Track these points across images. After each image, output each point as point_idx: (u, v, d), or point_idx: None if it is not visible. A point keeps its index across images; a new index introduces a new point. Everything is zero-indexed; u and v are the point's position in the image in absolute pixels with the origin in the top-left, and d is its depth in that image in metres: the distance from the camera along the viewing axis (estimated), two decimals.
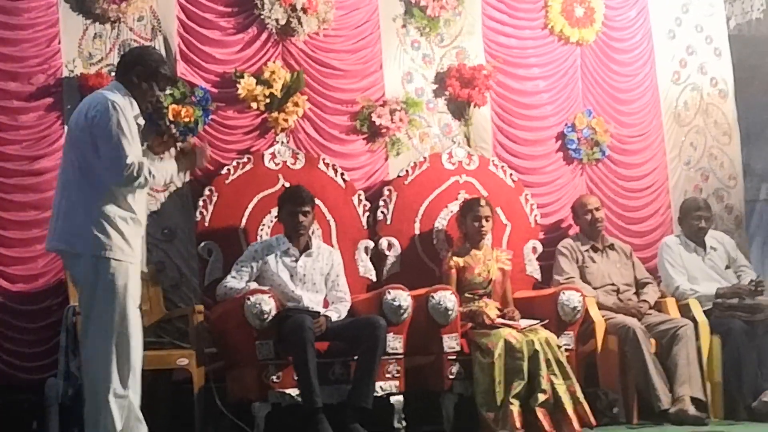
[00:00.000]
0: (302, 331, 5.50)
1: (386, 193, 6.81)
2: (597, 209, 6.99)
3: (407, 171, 6.90)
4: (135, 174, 4.60)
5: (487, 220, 6.47)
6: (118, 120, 4.62)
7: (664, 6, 8.00)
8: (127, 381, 4.63)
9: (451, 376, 6.01)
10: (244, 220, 6.42)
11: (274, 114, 6.65)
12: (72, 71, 6.28)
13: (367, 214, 6.73)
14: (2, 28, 6.19)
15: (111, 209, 4.66)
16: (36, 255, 6.10)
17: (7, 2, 6.20)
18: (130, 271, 4.68)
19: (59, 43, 6.28)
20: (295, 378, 5.57)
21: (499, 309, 6.34)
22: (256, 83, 6.60)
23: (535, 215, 7.13)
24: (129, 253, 4.68)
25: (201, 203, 6.33)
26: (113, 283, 4.63)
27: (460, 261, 6.41)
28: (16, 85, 6.19)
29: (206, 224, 6.32)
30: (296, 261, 6.00)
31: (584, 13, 7.61)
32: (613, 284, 6.82)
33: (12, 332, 6.01)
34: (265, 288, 5.76)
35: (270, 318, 5.58)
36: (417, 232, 6.82)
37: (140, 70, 4.83)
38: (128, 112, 4.68)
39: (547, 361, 5.96)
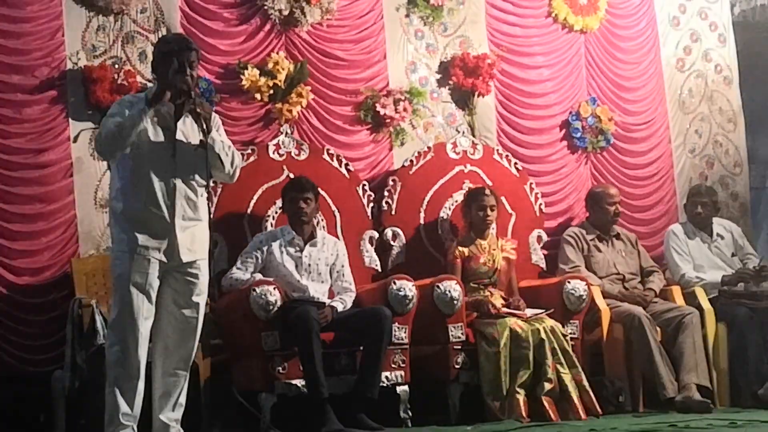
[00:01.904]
0: (307, 321, 5.51)
1: (391, 183, 6.81)
2: (619, 202, 6.99)
3: (411, 161, 6.90)
4: (100, 139, 4.65)
5: (492, 210, 6.46)
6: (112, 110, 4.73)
7: None
8: (125, 375, 4.59)
9: (456, 366, 6.02)
10: (248, 211, 6.43)
11: (278, 105, 6.66)
12: (75, 64, 6.28)
13: (372, 204, 6.73)
14: (6, 20, 6.19)
15: (116, 204, 4.70)
16: (41, 248, 6.12)
17: None
18: (137, 262, 4.60)
19: (63, 35, 6.29)
20: (301, 369, 5.57)
21: (504, 298, 6.35)
22: (260, 74, 6.60)
23: (540, 204, 7.12)
24: (128, 243, 4.62)
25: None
26: (113, 273, 4.71)
27: (465, 251, 6.41)
28: (19, 77, 6.19)
29: (211, 216, 6.29)
30: (301, 251, 6.00)
31: (588, 0, 7.60)
32: (618, 273, 6.81)
33: (18, 325, 6.02)
34: (271, 279, 5.76)
35: (276, 309, 5.59)
36: (422, 221, 6.82)
37: (154, 64, 4.87)
38: (133, 104, 4.68)
39: (553, 349, 5.97)
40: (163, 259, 4.65)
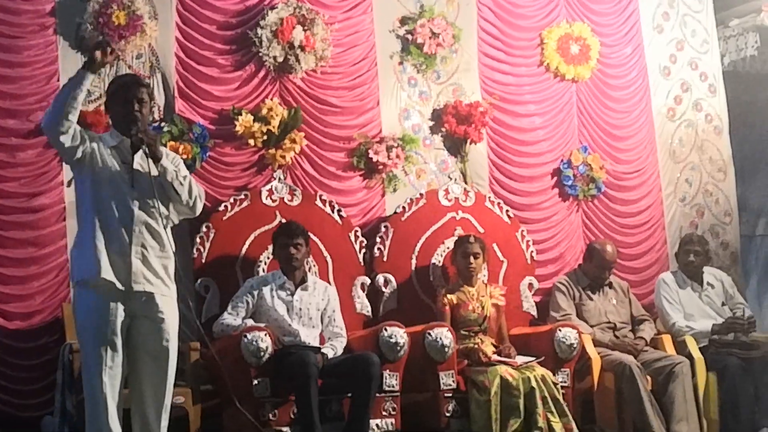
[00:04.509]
0: (307, 366, 5.50)
1: (383, 229, 6.83)
2: (614, 264, 7.02)
3: (404, 207, 6.93)
4: (49, 114, 4.54)
5: (476, 257, 6.48)
6: None
7: (659, 43, 8.08)
8: (94, 427, 4.49)
9: (447, 414, 6.01)
10: (241, 257, 6.43)
11: (272, 151, 6.69)
12: None
13: (364, 250, 6.74)
14: (1, 65, 6.23)
15: (77, 235, 4.69)
16: (33, 292, 6.12)
17: (7, 40, 6.25)
18: (97, 312, 4.50)
19: (58, 80, 6.30)
20: (293, 415, 5.56)
21: (495, 346, 6.35)
22: (254, 120, 6.64)
23: (531, 251, 7.14)
24: (87, 293, 4.54)
25: (198, 240, 6.35)
26: (75, 324, 4.63)
27: (453, 298, 6.42)
28: (14, 122, 6.22)
29: (203, 261, 6.34)
30: (292, 295, 6.00)
31: (580, 50, 7.67)
32: (609, 322, 6.82)
33: (8, 370, 6.00)
34: (262, 325, 5.76)
35: (267, 356, 5.58)
36: (413, 268, 6.83)
37: (106, 104, 4.91)
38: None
39: (544, 398, 5.96)
40: (121, 287, 4.50)
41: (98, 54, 4.50)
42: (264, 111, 6.68)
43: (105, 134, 4.76)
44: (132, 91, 4.68)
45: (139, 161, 4.66)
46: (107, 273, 4.49)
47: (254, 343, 5.56)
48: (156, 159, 4.62)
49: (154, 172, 4.61)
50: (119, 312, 4.52)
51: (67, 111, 4.45)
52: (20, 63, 6.27)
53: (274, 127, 6.65)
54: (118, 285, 4.51)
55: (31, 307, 6.09)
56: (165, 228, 4.67)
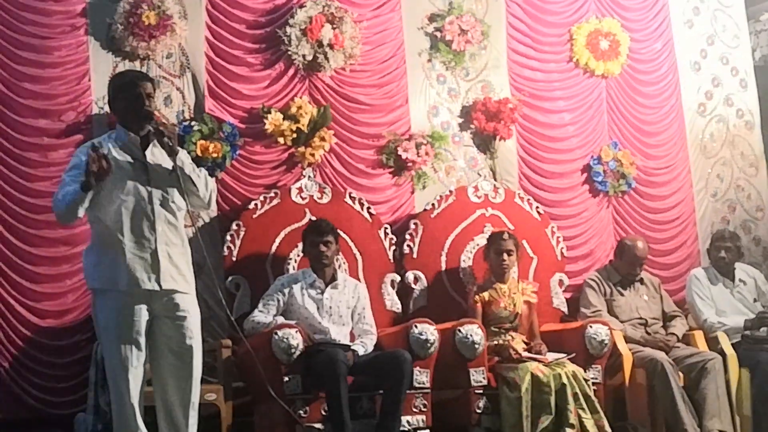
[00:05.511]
0: (336, 364, 5.52)
1: (412, 226, 6.83)
2: (645, 260, 6.98)
3: (433, 204, 6.92)
4: (54, 206, 4.55)
5: (509, 254, 6.45)
6: (71, 163, 4.61)
7: (690, 38, 8.03)
8: (122, 426, 4.48)
9: (478, 411, 6.00)
10: (271, 255, 6.45)
11: (301, 149, 6.71)
12: (102, 108, 6.35)
13: (394, 247, 6.75)
14: (33, 66, 6.30)
15: (93, 240, 4.66)
16: (65, 290, 6.18)
17: (38, 41, 6.32)
18: (120, 312, 4.47)
19: (89, 80, 6.38)
20: (324, 412, 5.57)
21: (525, 342, 6.33)
22: (283, 118, 6.66)
23: (562, 248, 7.12)
24: (109, 293, 4.50)
25: (228, 238, 6.37)
26: (96, 325, 4.60)
27: (486, 295, 6.41)
28: (46, 122, 6.28)
29: (234, 259, 6.36)
30: (322, 293, 6.02)
31: (609, 45, 7.64)
32: (640, 318, 6.79)
33: (41, 367, 6.07)
34: (293, 322, 5.78)
35: (297, 353, 5.60)
36: (443, 265, 6.82)
37: (110, 101, 4.78)
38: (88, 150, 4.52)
39: (575, 395, 5.94)
40: (155, 287, 4.49)
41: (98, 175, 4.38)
42: (293, 109, 6.70)
43: (111, 133, 4.70)
44: (138, 86, 4.59)
45: (151, 158, 4.59)
46: (131, 284, 4.46)
47: (285, 340, 5.58)
48: (175, 153, 4.55)
49: (170, 164, 4.55)
50: (143, 313, 4.51)
51: (77, 215, 4.49)
52: (51, 63, 6.34)
53: (303, 125, 6.67)
54: (147, 286, 4.48)
55: (63, 305, 6.16)
56: (180, 221, 4.63)
